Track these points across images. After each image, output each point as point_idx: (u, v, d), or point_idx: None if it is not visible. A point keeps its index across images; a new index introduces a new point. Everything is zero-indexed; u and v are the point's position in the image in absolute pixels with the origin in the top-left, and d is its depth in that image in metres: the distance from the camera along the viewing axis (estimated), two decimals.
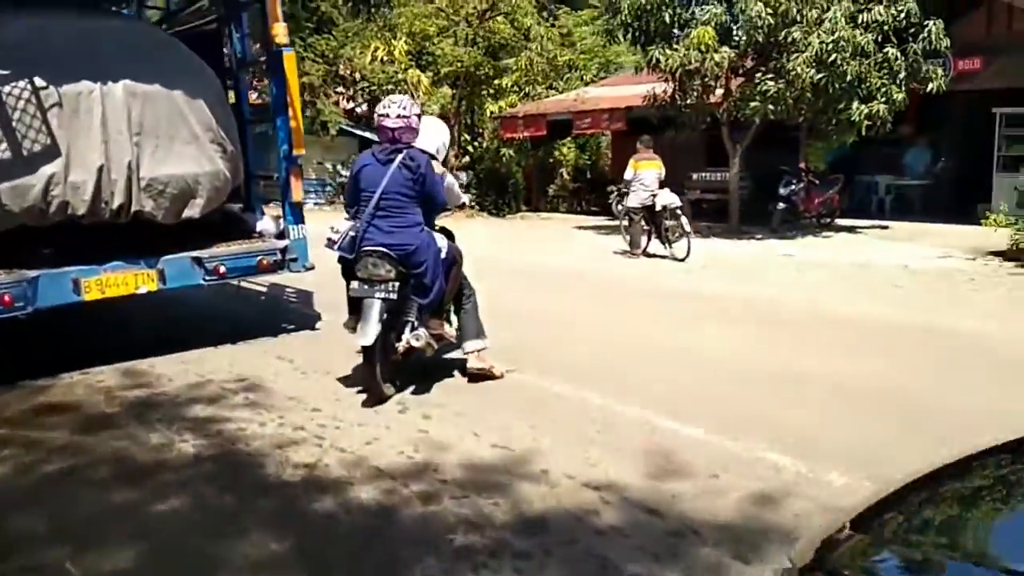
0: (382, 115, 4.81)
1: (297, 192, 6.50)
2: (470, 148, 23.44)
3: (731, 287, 9.26)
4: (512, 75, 21.73)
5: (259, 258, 6.38)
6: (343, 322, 5.31)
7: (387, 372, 4.97)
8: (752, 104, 12.90)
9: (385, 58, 21.69)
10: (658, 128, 15.17)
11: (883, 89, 12.54)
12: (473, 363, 5.46)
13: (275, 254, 6.47)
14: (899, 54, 12.52)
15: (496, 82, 21.31)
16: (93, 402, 5.25)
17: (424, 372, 5.39)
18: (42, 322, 5.69)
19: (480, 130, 24.10)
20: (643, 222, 11.60)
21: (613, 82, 23.03)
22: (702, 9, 13.47)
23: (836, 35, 12.06)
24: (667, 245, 11.44)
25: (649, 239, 11.79)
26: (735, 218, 15.09)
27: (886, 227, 14.61)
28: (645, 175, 11.45)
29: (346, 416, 4.81)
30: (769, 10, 12.41)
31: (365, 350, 4.81)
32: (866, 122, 12.68)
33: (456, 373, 5.52)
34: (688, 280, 9.88)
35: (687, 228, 10.99)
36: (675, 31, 13.88)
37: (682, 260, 11.06)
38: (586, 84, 23.40)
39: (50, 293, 5.54)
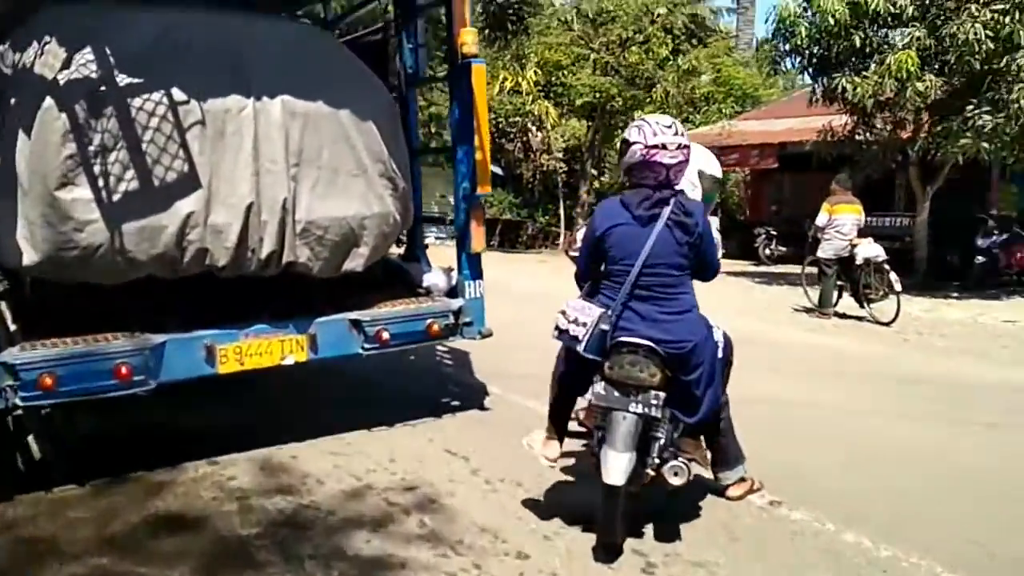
0: (653, 146, 3.34)
1: (479, 240, 5.15)
2: (596, 184, 22.15)
3: (965, 365, 7.44)
4: (646, 108, 20.39)
5: (428, 321, 5.04)
6: (529, 439, 3.92)
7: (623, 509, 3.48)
8: (961, 141, 10.97)
9: (513, 89, 20.67)
10: (827, 166, 13.40)
11: None
12: (734, 492, 3.95)
13: (447, 316, 5.11)
14: None
15: (632, 114, 19.93)
16: (223, 515, 3.95)
17: (659, 499, 3.88)
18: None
19: (606, 165, 22.82)
20: (837, 277, 9.84)
21: (759, 115, 21.34)
22: (901, 32, 11.68)
23: None
24: (865, 305, 9.65)
25: (840, 296, 10.02)
26: (921, 272, 13.09)
27: None
28: (842, 221, 9.70)
29: (571, 573, 3.36)
30: (988, 32, 10.53)
31: (607, 487, 3.33)
32: None
33: (703, 506, 4.00)
34: (908, 354, 8.07)
35: (897, 286, 9.18)
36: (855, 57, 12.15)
37: (887, 324, 9.25)
38: (729, 117, 21.87)
39: (178, 364, 4.32)
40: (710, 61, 23.24)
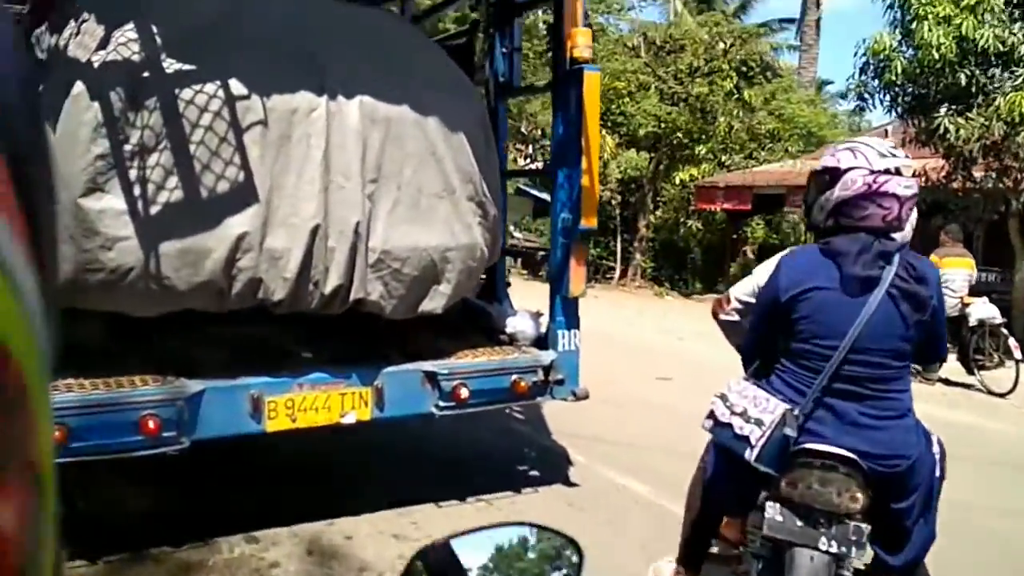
0: (883, 171, 2.42)
1: (578, 282, 4.29)
2: (651, 218, 21.27)
3: None
4: (708, 142, 19.58)
5: (514, 377, 4.17)
6: (656, 569, 2.99)
7: None
8: None
9: None
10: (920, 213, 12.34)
11: None
12: None
13: (536, 372, 4.24)
14: None
15: (695, 148, 19.14)
16: None
17: None
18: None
19: (661, 199, 21.95)
20: None
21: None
22: (1011, 73, 10.69)
23: None
24: (976, 372, 8.59)
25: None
26: (1020, 332, 11.93)
27: None
28: (952, 276, 8.67)
29: None
30: None
31: None
32: None
33: None
34: None
35: (1017, 354, 8.12)
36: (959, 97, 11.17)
37: (1003, 396, 8.19)
38: (793, 156, 20.95)
39: (217, 418, 3.50)
40: (774, 97, 22.42)
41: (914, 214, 2.71)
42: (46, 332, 0.29)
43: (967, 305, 8.54)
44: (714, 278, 20.24)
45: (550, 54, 4.86)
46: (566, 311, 4.36)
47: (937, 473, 2.59)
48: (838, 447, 2.39)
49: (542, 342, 4.47)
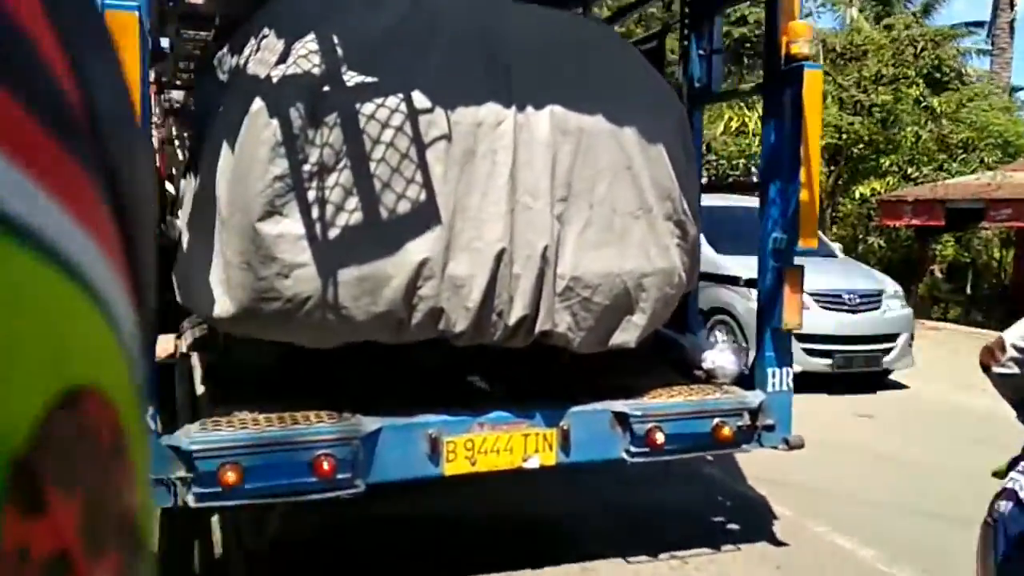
0: None
1: (793, 311, 3.72)
2: (829, 235, 19.90)
3: None
4: (893, 154, 18.12)
5: (717, 421, 3.65)
6: None
7: None
8: None
9: (738, 129, 19.07)
10: None
11: None
12: None
13: (741, 415, 3.70)
14: None
15: (880, 160, 17.77)
16: None
17: None
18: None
19: (837, 215, 20.55)
20: None
21: None
22: None
23: None
24: None
25: None
26: None
27: None
28: None
29: None
30: None
31: None
32: None
33: None
34: None
35: None
36: None
37: None
38: (988, 168, 19.07)
39: (394, 459, 3.21)
40: (963, 105, 20.57)
41: None
42: (143, 366, 0.26)
43: None
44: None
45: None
46: (777, 345, 3.80)
47: None
48: None
49: (745, 380, 3.93)
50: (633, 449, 3.54)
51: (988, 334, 15.48)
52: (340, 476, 3.08)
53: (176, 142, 9.10)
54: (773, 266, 3.75)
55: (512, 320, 3.22)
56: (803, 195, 3.59)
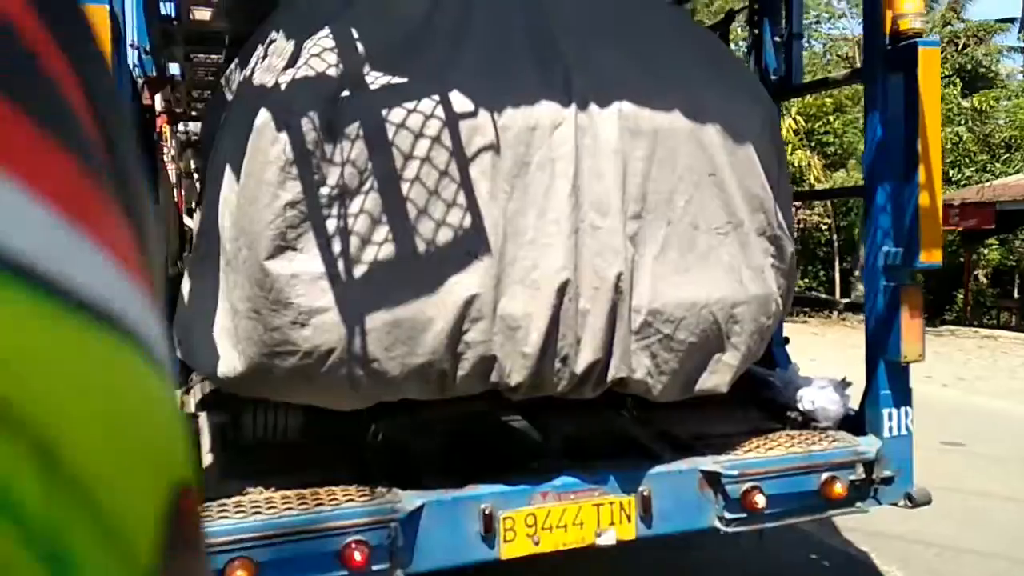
0: None
1: (913, 341, 3.08)
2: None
3: None
4: None
5: (824, 476, 3.01)
6: None
7: None
8: None
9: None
10: None
11: None
12: None
13: (854, 468, 3.06)
14: None
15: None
16: None
17: None
18: None
19: None
20: None
21: None
22: None
23: None
24: None
25: None
26: None
27: None
28: None
29: None
30: None
31: None
32: None
33: None
34: None
35: None
36: None
37: None
38: None
39: (439, 541, 2.62)
40: (997, 102, 19.77)
41: None
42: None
43: None
44: (941, 308, 17.82)
45: None
46: (894, 381, 3.16)
47: None
48: None
49: (852, 423, 3.30)
50: (728, 516, 2.92)
51: None
52: (376, 567, 2.49)
53: (196, 175, 8.66)
54: (886, 286, 3.12)
55: (580, 367, 2.62)
56: (922, 198, 2.97)
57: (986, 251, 18.95)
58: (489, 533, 2.66)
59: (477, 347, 2.52)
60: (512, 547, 2.70)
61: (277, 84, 2.49)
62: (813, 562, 3.96)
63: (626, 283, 2.63)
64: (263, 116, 2.42)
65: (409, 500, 2.58)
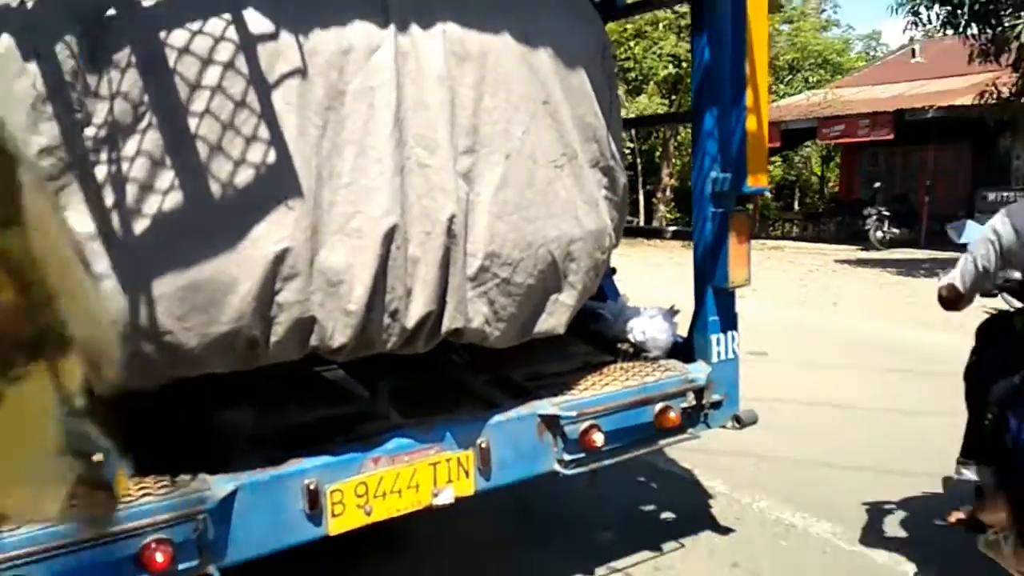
0: None
1: (739, 266, 3.09)
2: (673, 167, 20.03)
3: None
4: None
5: (659, 406, 2.99)
6: None
7: None
8: None
9: None
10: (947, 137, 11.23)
11: None
12: None
13: (686, 396, 3.07)
14: None
15: None
16: None
17: None
18: None
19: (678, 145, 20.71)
20: None
21: (854, 82, 19.07)
22: None
23: None
24: None
25: None
26: None
27: None
28: None
29: None
30: None
31: None
32: None
33: None
34: None
35: None
36: None
37: None
38: (811, 87, 19.80)
39: (257, 527, 2.31)
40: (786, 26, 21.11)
41: None
42: None
43: None
44: None
45: None
46: (721, 307, 3.18)
47: None
48: None
49: (680, 351, 3.30)
50: (567, 458, 2.83)
51: (826, 248, 16.06)
52: (183, 566, 2.16)
53: None
54: (713, 212, 3.08)
55: (411, 321, 2.36)
56: (750, 123, 2.93)
57: (770, 167, 20.51)
58: (315, 510, 2.38)
59: (292, 308, 2.18)
60: (341, 521, 2.45)
61: (22, 1, 1.95)
62: (633, 481, 4.04)
63: (460, 226, 2.37)
64: (5, 42, 1.88)
65: (219, 485, 2.24)
